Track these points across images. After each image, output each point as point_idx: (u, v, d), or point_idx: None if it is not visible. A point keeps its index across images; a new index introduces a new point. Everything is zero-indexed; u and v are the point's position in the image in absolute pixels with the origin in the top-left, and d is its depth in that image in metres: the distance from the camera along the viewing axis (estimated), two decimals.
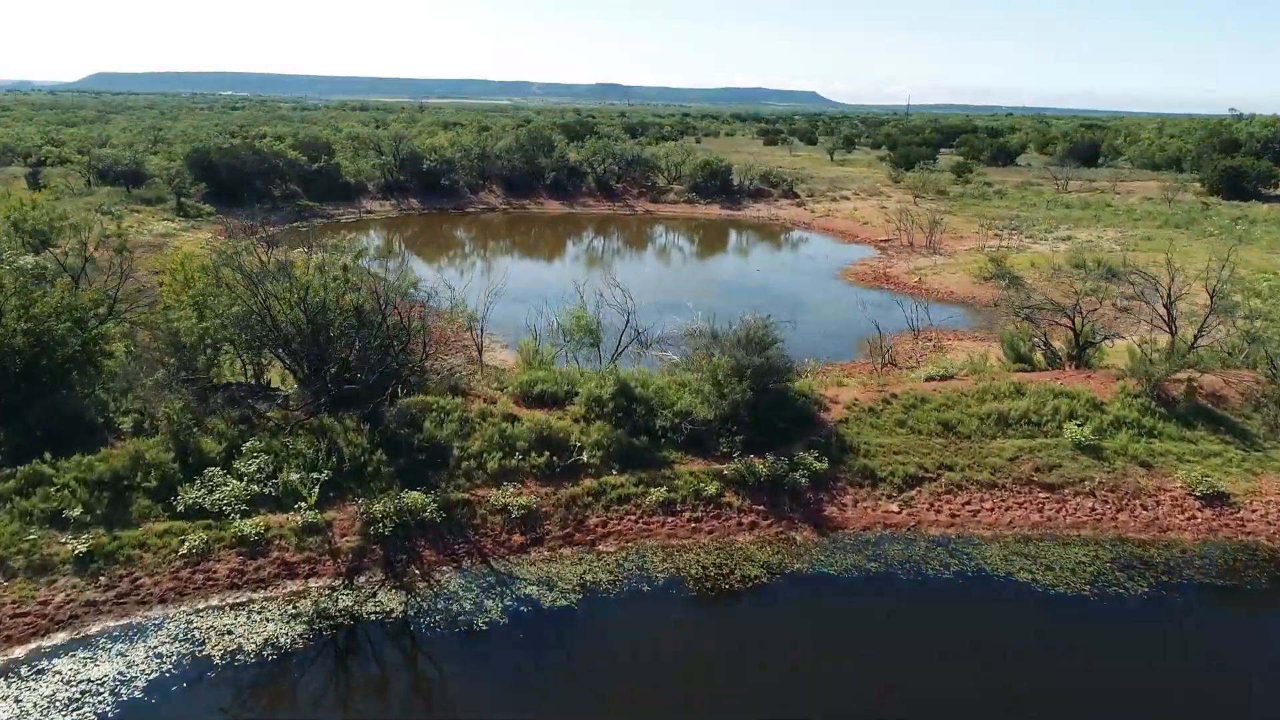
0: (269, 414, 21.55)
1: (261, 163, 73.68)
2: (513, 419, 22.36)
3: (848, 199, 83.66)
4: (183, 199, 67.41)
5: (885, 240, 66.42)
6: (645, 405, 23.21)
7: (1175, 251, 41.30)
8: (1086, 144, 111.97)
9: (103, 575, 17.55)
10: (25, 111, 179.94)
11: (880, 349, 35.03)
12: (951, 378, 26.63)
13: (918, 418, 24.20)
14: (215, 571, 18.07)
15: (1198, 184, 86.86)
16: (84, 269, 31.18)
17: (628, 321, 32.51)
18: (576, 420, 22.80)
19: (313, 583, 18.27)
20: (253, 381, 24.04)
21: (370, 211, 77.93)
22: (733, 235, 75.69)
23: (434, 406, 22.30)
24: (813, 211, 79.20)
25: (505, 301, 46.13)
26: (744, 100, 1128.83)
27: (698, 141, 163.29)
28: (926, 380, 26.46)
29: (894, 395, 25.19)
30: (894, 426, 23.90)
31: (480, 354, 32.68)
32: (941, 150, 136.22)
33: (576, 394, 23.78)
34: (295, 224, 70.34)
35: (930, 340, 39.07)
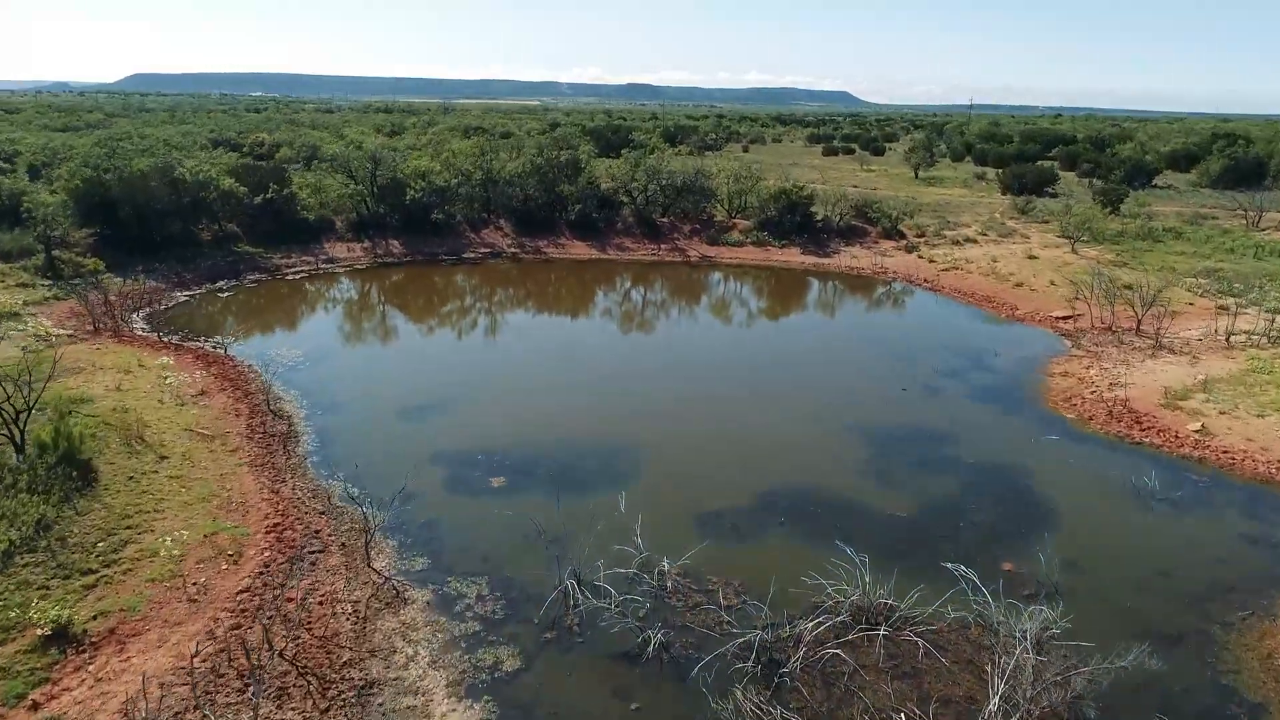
0: None
1: (179, 196, 53.64)
2: None
3: (972, 240, 62.23)
4: (55, 252, 47.52)
5: (1066, 318, 45.08)
6: None
7: None
8: (1250, 160, 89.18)
9: None
10: (29, 115, 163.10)
11: None
12: None
13: None
14: None
15: None
16: None
17: None
18: None
19: None
20: None
21: (333, 259, 57.72)
22: (827, 296, 54.57)
23: None
24: (932, 261, 57.83)
25: (481, 463, 25.11)
26: (774, 100, 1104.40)
27: (745, 150, 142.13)
28: None
29: None
30: None
31: None
32: (1037, 164, 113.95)
33: None
34: (217, 285, 50.28)
35: None
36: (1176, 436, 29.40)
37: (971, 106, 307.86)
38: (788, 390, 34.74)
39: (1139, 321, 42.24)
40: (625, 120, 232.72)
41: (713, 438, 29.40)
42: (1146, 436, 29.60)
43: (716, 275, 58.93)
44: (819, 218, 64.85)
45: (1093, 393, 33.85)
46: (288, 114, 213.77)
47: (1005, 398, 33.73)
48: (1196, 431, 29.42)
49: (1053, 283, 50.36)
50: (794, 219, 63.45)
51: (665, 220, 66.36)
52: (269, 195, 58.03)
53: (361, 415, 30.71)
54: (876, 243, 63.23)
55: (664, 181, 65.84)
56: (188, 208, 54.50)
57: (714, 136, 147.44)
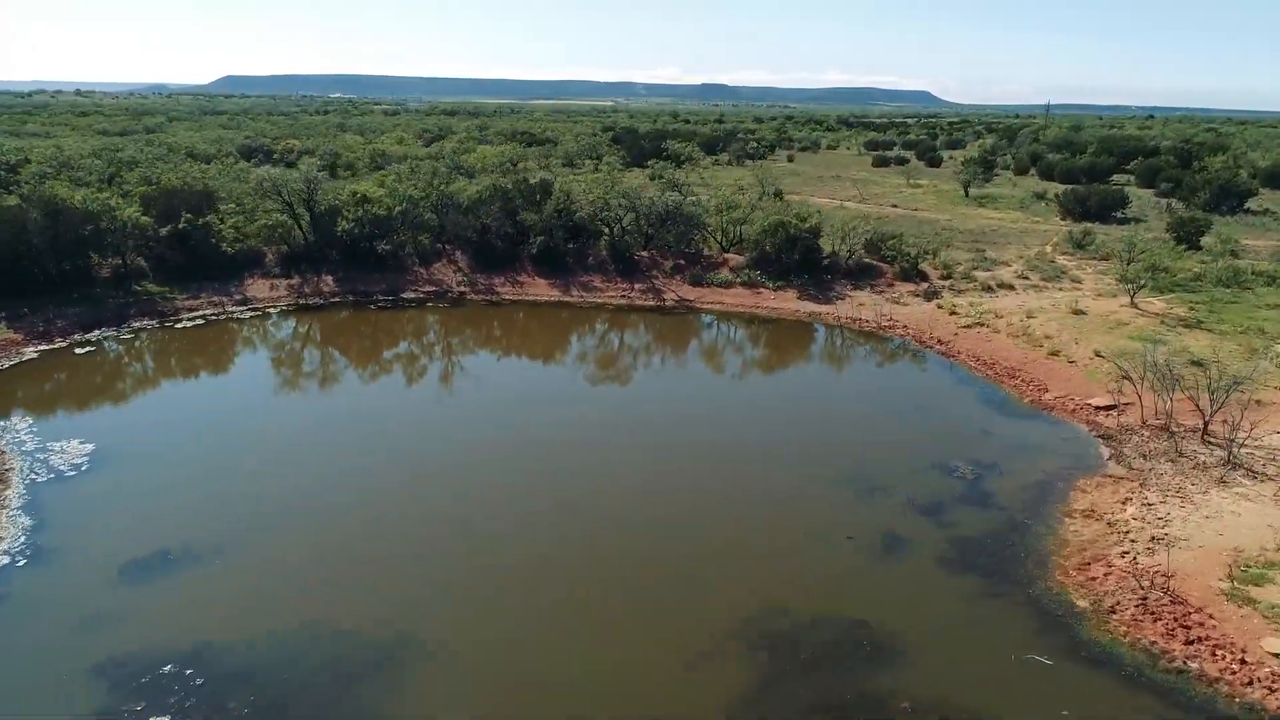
0: None
1: (60, 230, 46.61)
2: None
3: (1008, 286, 51.27)
4: None
5: (1109, 409, 34.32)
6: None
7: None
8: None
9: None
10: (95, 119, 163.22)
11: None
12: None
13: None
14: None
15: None
16: None
17: None
18: None
19: None
20: None
21: (248, 300, 50.12)
22: (809, 362, 44.62)
23: None
24: (953, 313, 47.22)
25: (163, 682, 16.78)
26: (853, 100, 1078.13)
27: (790, 159, 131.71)
28: None
29: None
30: None
31: None
32: (1111, 179, 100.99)
33: None
34: (89, 335, 42.96)
35: None
36: (1243, 663, 18.95)
37: (1049, 109, 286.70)
38: (685, 538, 25.15)
39: (1206, 420, 31.30)
40: (689, 121, 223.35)
41: (518, 645, 20.11)
42: (1195, 659, 19.22)
43: (689, 325, 49.35)
44: (825, 254, 54.65)
45: (1125, 555, 23.43)
46: (351, 115, 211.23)
47: (995, 562, 23.53)
48: (1279, 657, 18.93)
49: (1098, 353, 39.37)
50: (793, 256, 53.36)
51: (645, 254, 56.96)
52: (180, 226, 50.77)
53: (73, 569, 22.39)
54: (891, 285, 52.74)
55: (644, 210, 56.48)
56: (73, 243, 47.44)
57: (755, 145, 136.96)
